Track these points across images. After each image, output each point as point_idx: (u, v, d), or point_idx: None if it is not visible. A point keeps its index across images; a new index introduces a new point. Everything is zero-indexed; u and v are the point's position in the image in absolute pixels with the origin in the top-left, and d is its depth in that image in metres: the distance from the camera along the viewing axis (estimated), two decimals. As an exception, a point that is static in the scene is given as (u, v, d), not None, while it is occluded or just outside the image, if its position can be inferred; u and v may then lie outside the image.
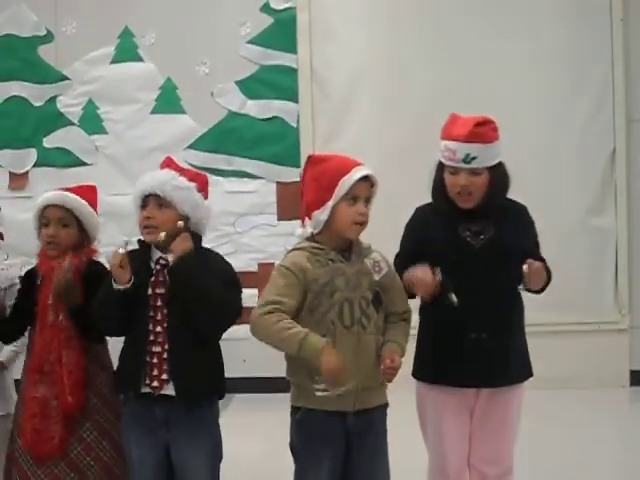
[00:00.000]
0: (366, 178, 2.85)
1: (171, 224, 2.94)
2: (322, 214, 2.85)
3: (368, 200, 2.87)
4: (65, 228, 3.28)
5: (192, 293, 2.83)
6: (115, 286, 2.87)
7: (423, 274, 2.90)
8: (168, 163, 3.09)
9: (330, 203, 2.83)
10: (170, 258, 2.87)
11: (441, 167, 3.08)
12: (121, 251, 2.88)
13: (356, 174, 2.83)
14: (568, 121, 6.44)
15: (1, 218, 4.01)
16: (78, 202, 3.32)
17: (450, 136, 3.03)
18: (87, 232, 3.36)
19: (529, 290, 3.03)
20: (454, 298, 2.92)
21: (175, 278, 2.86)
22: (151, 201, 2.96)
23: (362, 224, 2.85)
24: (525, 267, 2.89)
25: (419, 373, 3.18)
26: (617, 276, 6.46)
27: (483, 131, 3.02)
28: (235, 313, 2.92)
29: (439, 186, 3.09)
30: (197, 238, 3.02)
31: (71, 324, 3.17)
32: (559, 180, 6.42)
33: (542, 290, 3.09)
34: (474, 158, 3.00)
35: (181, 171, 3.04)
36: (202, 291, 2.83)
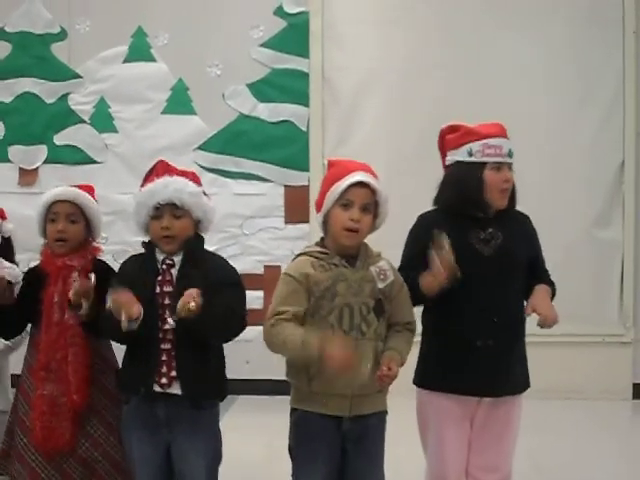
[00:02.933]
0: (364, 185, 2.84)
1: (187, 232, 2.96)
2: (319, 218, 2.91)
3: (367, 207, 2.85)
4: (73, 224, 3.28)
5: (198, 330, 2.82)
6: (124, 328, 2.76)
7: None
8: (166, 168, 3.05)
9: (323, 207, 2.87)
10: (173, 318, 2.83)
11: (475, 169, 3.07)
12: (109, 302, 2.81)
13: (349, 179, 2.82)
14: (577, 132, 6.44)
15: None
16: (87, 198, 3.34)
17: (487, 135, 3.09)
18: (92, 230, 3.37)
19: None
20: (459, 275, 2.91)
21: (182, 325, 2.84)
22: (167, 210, 2.95)
23: (353, 230, 2.82)
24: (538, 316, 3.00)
25: (421, 380, 3.19)
26: (622, 289, 6.46)
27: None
28: (240, 325, 2.94)
29: (479, 186, 3.06)
30: (200, 240, 3.05)
31: (77, 322, 3.18)
32: (566, 191, 6.42)
33: None
34: (513, 153, 3.11)
35: (183, 174, 3.04)
36: (208, 325, 2.81)
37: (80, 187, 3.40)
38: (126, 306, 2.75)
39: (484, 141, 3.07)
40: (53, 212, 3.28)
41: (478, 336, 3.03)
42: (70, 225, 3.27)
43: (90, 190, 3.44)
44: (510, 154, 3.08)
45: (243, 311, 2.96)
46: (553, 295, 3.17)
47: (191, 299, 2.72)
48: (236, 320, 2.92)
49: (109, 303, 2.78)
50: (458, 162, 3.12)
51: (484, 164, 3.07)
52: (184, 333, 2.87)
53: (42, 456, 3.18)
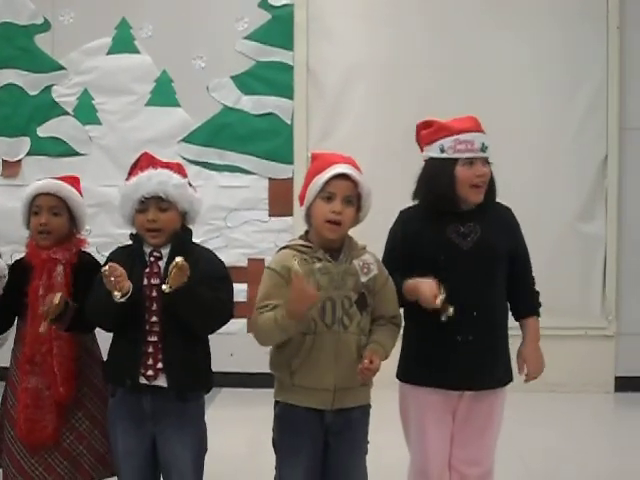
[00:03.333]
0: (346, 177, 2.84)
1: (174, 224, 2.95)
2: (302, 211, 2.92)
3: (349, 200, 2.85)
4: (56, 217, 3.28)
5: (184, 313, 2.84)
6: (116, 299, 2.80)
7: (430, 291, 2.90)
8: (151, 161, 3.04)
9: (306, 200, 2.88)
10: (164, 287, 2.79)
11: (447, 165, 3.06)
12: (105, 269, 2.81)
13: (330, 172, 2.83)
14: (561, 127, 6.45)
15: None
16: (70, 191, 3.33)
17: (459, 130, 3.08)
18: (76, 222, 3.36)
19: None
20: (451, 313, 2.93)
21: (168, 305, 2.85)
22: (152, 203, 2.94)
23: (335, 223, 2.82)
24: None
25: (403, 374, 3.19)
26: (605, 282, 6.49)
27: (480, 123, 3.12)
28: (227, 315, 2.95)
29: (450, 182, 3.05)
30: (188, 232, 3.04)
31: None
32: (550, 186, 6.43)
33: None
34: (487, 147, 3.08)
35: (167, 166, 3.03)
36: (195, 308, 2.83)
37: (65, 178, 3.40)
38: (120, 279, 2.77)
39: (455, 137, 3.06)
40: (36, 205, 3.28)
41: (458, 331, 3.03)
42: (53, 218, 3.27)
43: (75, 181, 3.44)
44: (483, 148, 3.06)
45: (230, 303, 2.96)
46: (539, 310, 3.24)
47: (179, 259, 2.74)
48: (223, 310, 2.92)
49: (103, 270, 2.79)
50: (432, 158, 3.13)
51: (456, 160, 3.06)
52: (171, 324, 2.88)
53: (27, 449, 3.19)
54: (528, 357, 3.19)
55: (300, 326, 2.75)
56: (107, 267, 2.79)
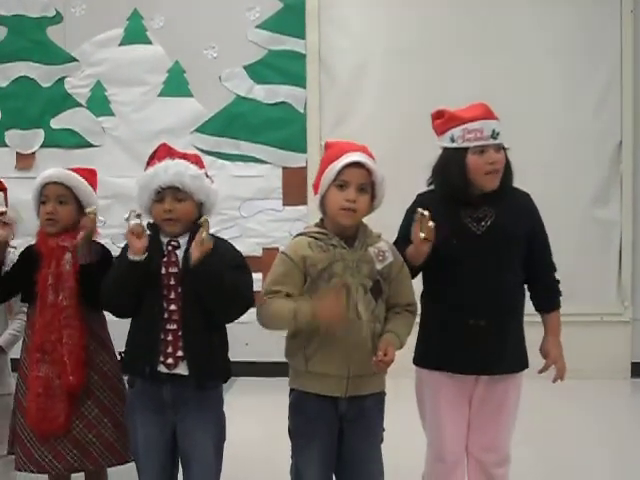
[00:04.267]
0: (360, 165, 2.84)
1: (190, 215, 2.96)
2: (317, 199, 2.92)
3: (363, 188, 2.85)
4: (63, 205, 3.30)
5: (210, 289, 2.85)
6: (131, 257, 2.86)
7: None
8: (168, 151, 3.05)
9: (320, 189, 2.88)
10: (192, 257, 2.83)
11: (458, 154, 3.07)
12: (135, 221, 2.88)
13: (344, 160, 2.83)
14: (575, 112, 6.43)
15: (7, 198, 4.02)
16: (77, 180, 3.34)
17: (468, 119, 3.07)
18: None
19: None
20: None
21: (194, 277, 2.85)
22: (169, 194, 2.95)
23: (350, 210, 2.83)
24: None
25: (418, 359, 3.20)
26: (621, 268, 6.48)
27: (491, 110, 3.10)
28: (248, 301, 2.93)
29: (461, 172, 3.05)
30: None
31: (71, 303, 3.20)
32: (565, 171, 6.42)
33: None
34: (498, 133, 3.06)
35: (185, 157, 3.04)
36: (219, 287, 2.84)
37: (81, 170, 3.41)
38: (138, 238, 2.86)
39: (463, 126, 3.06)
40: (44, 194, 3.30)
41: (469, 315, 3.03)
42: (60, 206, 3.29)
43: (91, 174, 3.44)
44: (494, 135, 3.04)
45: (250, 292, 2.95)
46: (559, 302, 3.25)
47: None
48: (243, 298, 2.91)
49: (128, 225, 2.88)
50: (445, 148, 3.13)
51: (466, 149, 3.06)
52: (190, 312, 2.89)
53: (37, 437, 3.22)
54: (549, 352, 3.21)
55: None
56: (134, 223, 2.87)
